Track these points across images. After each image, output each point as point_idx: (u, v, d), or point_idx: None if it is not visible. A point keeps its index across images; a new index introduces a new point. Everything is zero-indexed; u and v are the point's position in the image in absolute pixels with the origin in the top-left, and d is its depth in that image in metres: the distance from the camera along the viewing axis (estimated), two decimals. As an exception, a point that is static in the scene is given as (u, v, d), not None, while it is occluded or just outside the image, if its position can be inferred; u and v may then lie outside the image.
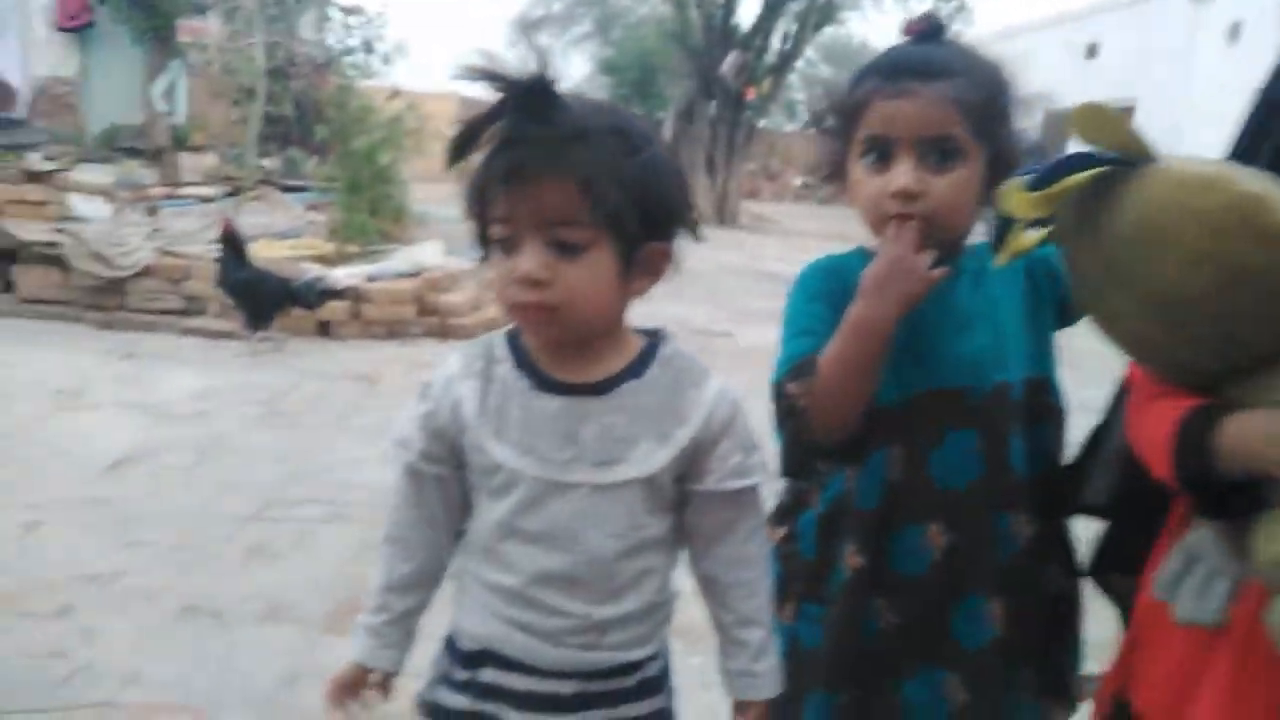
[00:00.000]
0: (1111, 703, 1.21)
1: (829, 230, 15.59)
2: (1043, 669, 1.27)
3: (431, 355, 5.63)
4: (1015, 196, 1.03)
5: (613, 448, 1.07)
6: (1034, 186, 1.01)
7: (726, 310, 7.52)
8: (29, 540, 2.86)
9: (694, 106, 16.25)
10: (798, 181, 24.34)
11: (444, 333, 6.11)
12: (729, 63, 15.03)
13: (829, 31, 17.79)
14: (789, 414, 1.17)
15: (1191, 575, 1.05)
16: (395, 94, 8.75)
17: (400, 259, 6.77)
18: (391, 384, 4.94)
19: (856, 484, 1.23)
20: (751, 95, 15.96)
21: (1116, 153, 0.97)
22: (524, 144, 1.00)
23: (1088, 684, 1.31)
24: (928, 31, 1.20)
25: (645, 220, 1.04)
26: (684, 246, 1.11)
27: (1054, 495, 1.27)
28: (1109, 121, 0.96)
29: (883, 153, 1.16)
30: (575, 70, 26.60)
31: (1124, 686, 1.19)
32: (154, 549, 2.84)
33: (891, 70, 1.16)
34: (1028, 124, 1.22)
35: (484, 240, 1.08)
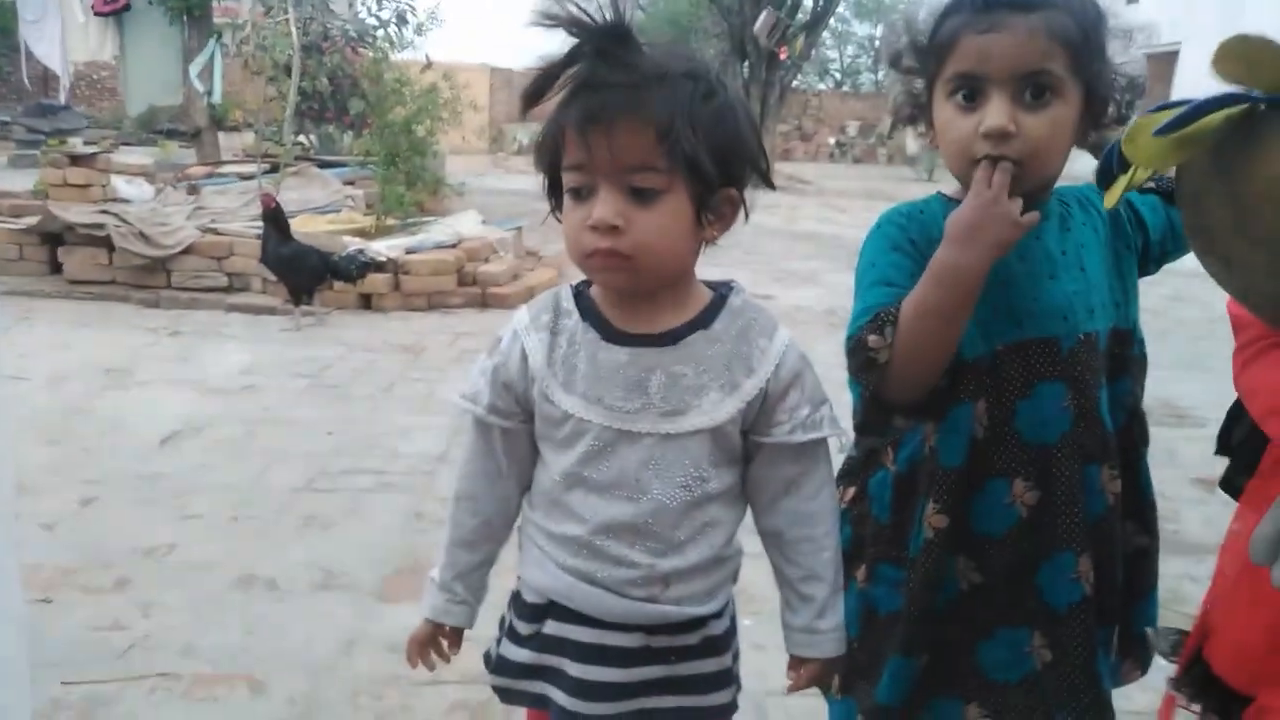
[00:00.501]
0: (1191, 661, 1.17)
1: (864, 189, 15.42)
2: (1123, 628, 1.24)
3: (472, 325, 5.64)
4: (1144, 140, 0.92)
5: (680, 397, 1.07)
6: (1168, 129, 0.90)
7: (766, 272, 7.44)
8: (86, 516, 2.90)
9: (726, 67, 16.04)
10: (832, 141, 24.03)
11: (484, 302, 6.12)
12: (761, 22, 14.80)
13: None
14: (868, 367, 1.10)
15: None
16: (429, 65, 8.74)
17: (438, 230, 6.79)
18: (434, 354, 4.96)
19: (939, 441, 1.17)
20: (784, 55, 15.71)
21: (1267, 93, 0.87)
22: (601, 88, 0.98)
23: (1162, 638, 1.26)
24: None
25: (719, 166, 1.02)
26: (752, 196, 1.08)
27: (1134, 448, 1.22)
28: (1262, 56, 0.85)
29: (973, 90, 1.09)
30: None
31: (1202, 646, 1.15)
32: (207, 521, 2.87)
33: (982, 3, 1.09)
34: (1127, 59, 1.13)
35: (554, 190, 1.07)
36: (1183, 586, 2.56)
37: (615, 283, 1.07)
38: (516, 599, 1.18)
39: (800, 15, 16.06)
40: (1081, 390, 1.15)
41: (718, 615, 1.13)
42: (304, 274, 5.34)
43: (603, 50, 0.99)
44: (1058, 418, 1.14)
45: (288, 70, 8.18)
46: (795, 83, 17.80)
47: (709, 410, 1.07)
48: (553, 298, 1.14)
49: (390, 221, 7.19)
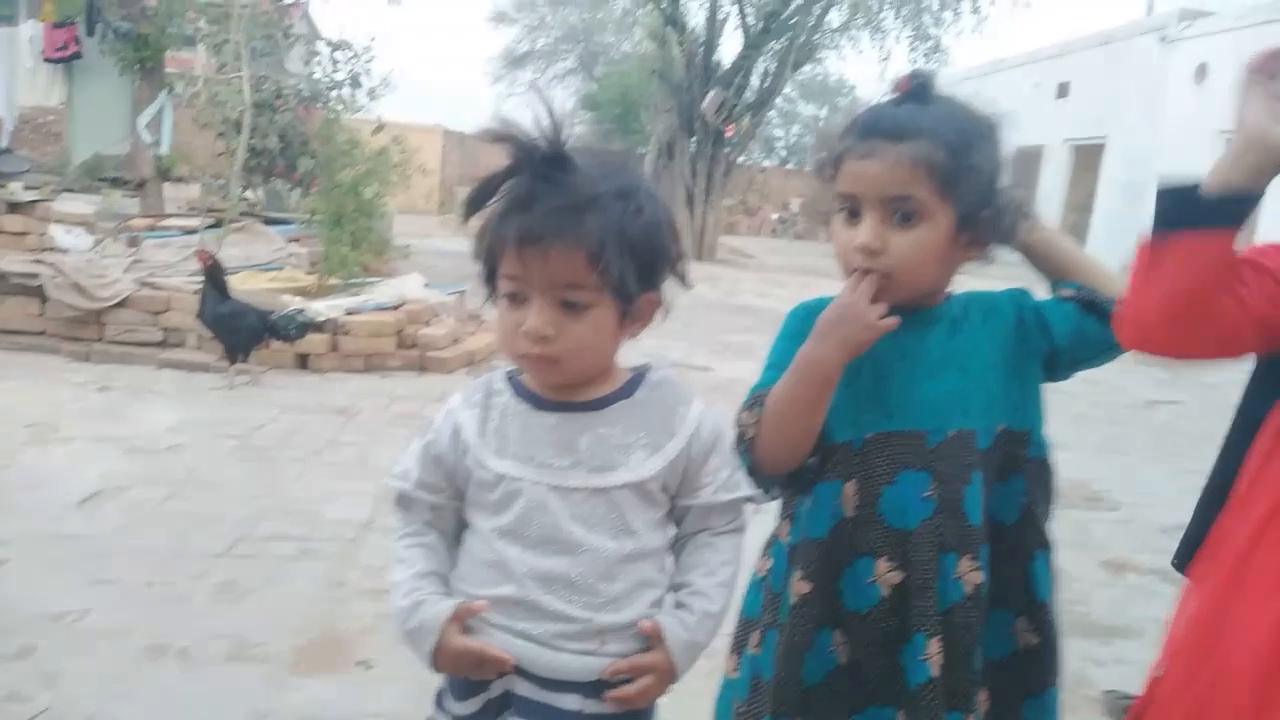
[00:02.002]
0: None
1: (803, 265, 15.75)
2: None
3: (409, 389, 5.64)
4: None
5: (608, 454, 1.16)
6: None
7: (704, 344, 7.57)
8: (-5, 577, 2.84)
9: (675, 142, 16.42)
10: (775, 217, 24.60)
11: (423, 366, 6.12)
12: (709, 100, 15.23)
13: (807, 69, 18.03)
14: (740, 441, 1.24)
15: None
16: (381, 127, 8.84)
17: (381, 292, 6.81)
18: (368, 418, 4.95)
19: (808, 514, 1.27)
20: (731, 132, 16.15)
21: None
22: (537, 209, 1.08)
23: (1110, 703, 1.31)
24: (913, 90, 1.23)
25: (643, 277, 1.13)
26: (672, 291, 1.20)
27: (1024, 548, 1.29)
28: None
29: (853, 209, 1.22)
30: (557, 105, 26.85)
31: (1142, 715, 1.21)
32: (122, 587, 2.82)
33: (865, 130, 1.21)
34: (1012, 179, 1.24)
35: (490, 283, 1.17)
36: (1087, 669, 2.62)
37: (546, 380, 1.19)
38: (450, 681, 1.21)
39: (747, 94, 16.55)
40: (945, 482, 1.23)
41: None
42: (241, 333, 5.31)
43: (540, 169, 1.09)
44: (919, 506, 1.23)
45: (238, 126, 8.21)
46: (741, 159, 18.25)
47: (635, 467, 1.16)
48: (485, 381, 1.25)
49: (333, 281, 7.19)
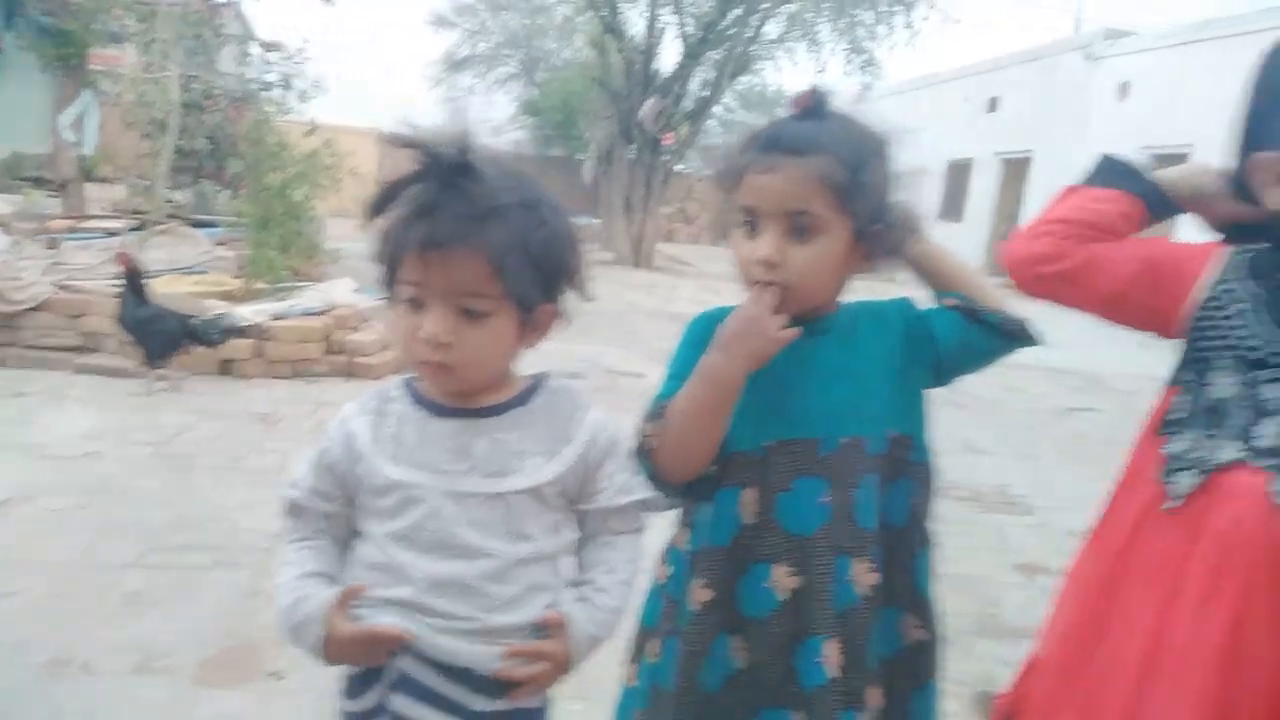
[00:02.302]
0: None
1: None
2: (902, 715, 1.33)
3: (336, 395, 5.57)
4: None
5: (504, 460, 1.17)
6: None
7: (638, 351, 7.58)
8: (-110, 590, 2.75)
9: (614, 150, 16.46)
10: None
11: (350, 372, 6.05)
12: (648, 108, 15.29)
13: (746, 79, 18.21)
14: (642, 451, 1.25)
15: None
16: (313, 129, 8.73)
17: (309, 296, 6.71)
18: (291, 424, 4.88)
19: (709, 522, 1.30)
20: (670, 140, 16.24)
21: None
22: (440, 216, 1.07)
23: (979, 701, 1.36)
24: (810, 107, 1.26)
25: (544, 288, 1.15)
26: (578, 300, 1.22)
27: (908, 548, 1.33)
28: None
29: (753, 221, 1.25)
30: (499, 111, 26.68)
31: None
32: (25, 598, 2.75)
33: (765, 145, 1.24)
34: (907, 195, 1.28)
35: (390, 288, 1.16)
36: (995, 670, 2.67)
37: (443, 387, 1.19)
38: (345, 685, 1.21)
39: (686, 103, 16.66)
40: (840, 488, 1.27)
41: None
42: (160, 337, 5.20)
43: (445, 177, 1.09)
44: (815, 512, 1.26)
45: (164, 126, 8.04)
46: (680, 167, 18.34)
47: (531, 473, 1.17)
48: (381, 389, 1.25)
49: (260, 285, 7.07)
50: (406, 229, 1.09)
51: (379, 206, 1.13)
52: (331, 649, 1.14)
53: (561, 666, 1.18)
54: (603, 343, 7.20)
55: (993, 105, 20.86)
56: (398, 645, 1.14)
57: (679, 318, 1.28)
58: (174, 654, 2.49)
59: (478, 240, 1.07)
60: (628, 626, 1.35)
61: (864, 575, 1.27)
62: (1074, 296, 1.24)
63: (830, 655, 1.24)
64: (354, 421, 1.21)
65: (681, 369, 1.28)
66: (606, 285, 13.45)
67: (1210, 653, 0.97)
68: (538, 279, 1.13)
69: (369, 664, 1.16)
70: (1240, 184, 1.13)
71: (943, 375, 1.37)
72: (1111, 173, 1.24)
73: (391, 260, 1.14)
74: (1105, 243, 1.17)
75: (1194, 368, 1.09)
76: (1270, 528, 0.96)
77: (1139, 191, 1.19)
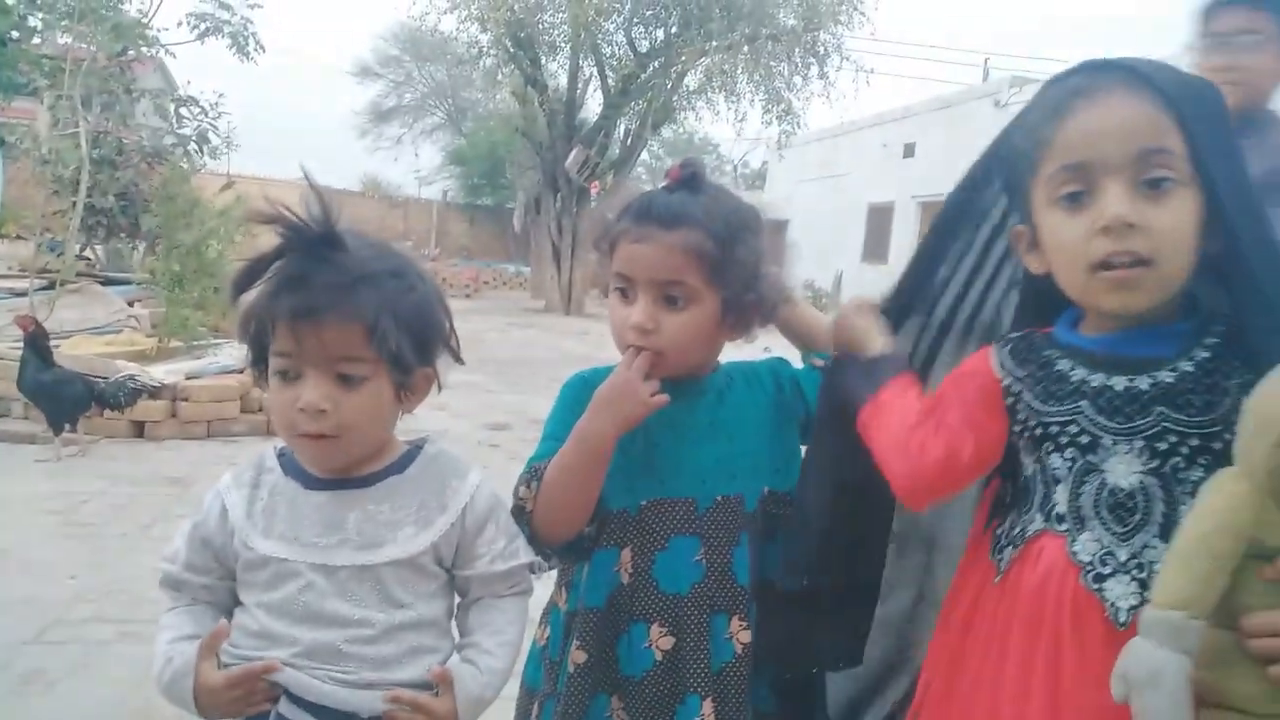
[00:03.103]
0: None
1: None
2: None
3: (253, 454, 5.44)
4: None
5: (376, 532, 1.16)
6: None
7: (565, 402, 7.57)
8: None
9: (541, 199, 16.57)
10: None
11: (269, 430, 5.92)
12: (572, 158, 15.48)
13: (668, 129, 18.53)
14: (519, 514, 1.26)
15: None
16: (230, 184, 8.62)
17: (225, 354, 6.58)
18: (205, 487, 4.63)
19: (586, 582, 1.30)
20: (596, 189, 16.42)
21: None
22: (310, 285, 1.08)
23: None
24: (685, 179, 1.30)
25: (418, 352, 1.15)
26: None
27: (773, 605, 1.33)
28: None
29: (627, 288, 1.27)
30: (426, 160, 26.67)
31: None
32: (-89, 683, 2.62)
33: (640, 215, 1.27)
34: (776, 268, 1.32)
35: (259, 364, 1.16)
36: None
37: (326, 463, 1.17)
38: None
39: (611, 152, 16.87)
40: (714, 546, 1.29)
41: None
42: (65, 402, 5.03)
43: (312, 249, 1.09)
44: (690, 570, 1.28)
45: (75, 184, 7.85)
46: (607, 215, 18.50)
47: (403, 543, 1.16)
48: (257, 459, 1.23)
49: (175, 344, 6.91)
50: (275, 301, 1.10)
51: (244, 282, 1.12)
52: (204, 698, 1.11)
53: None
54: (530, 391, 7.16)
55: (909, 151, 21.53)
56: (270, 696, 1.11)
57: (610, 363, 1.29)
58: (72, 736, 2.39)
59: (349, 306, 1.08)
60: (512, 689, 1.35)
61: (739, 632, 1.28)
62: (964, 477, 1.19)
63: (707, 713, 1.25)
64: (229, 495, 1.20)
65: (557, 430, 1.30)
66: (538, 333, 13.51)
67: (1038, 708, 1.02)
68: (411, 342, 1.13)
69: (248, 713, 1.12)
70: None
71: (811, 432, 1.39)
72: (861, 378, 1.23)
73: (259, 335, 1.13)
74: (928, 423, 1.15)
75: (1006, 456, 1.15)
76: (1071, 583, 1.03)
77: (895, 371, 1.22)
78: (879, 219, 22.09)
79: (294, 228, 1.10)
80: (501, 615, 1.23)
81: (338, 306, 1.08)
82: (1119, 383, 1.04)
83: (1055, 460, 1.08)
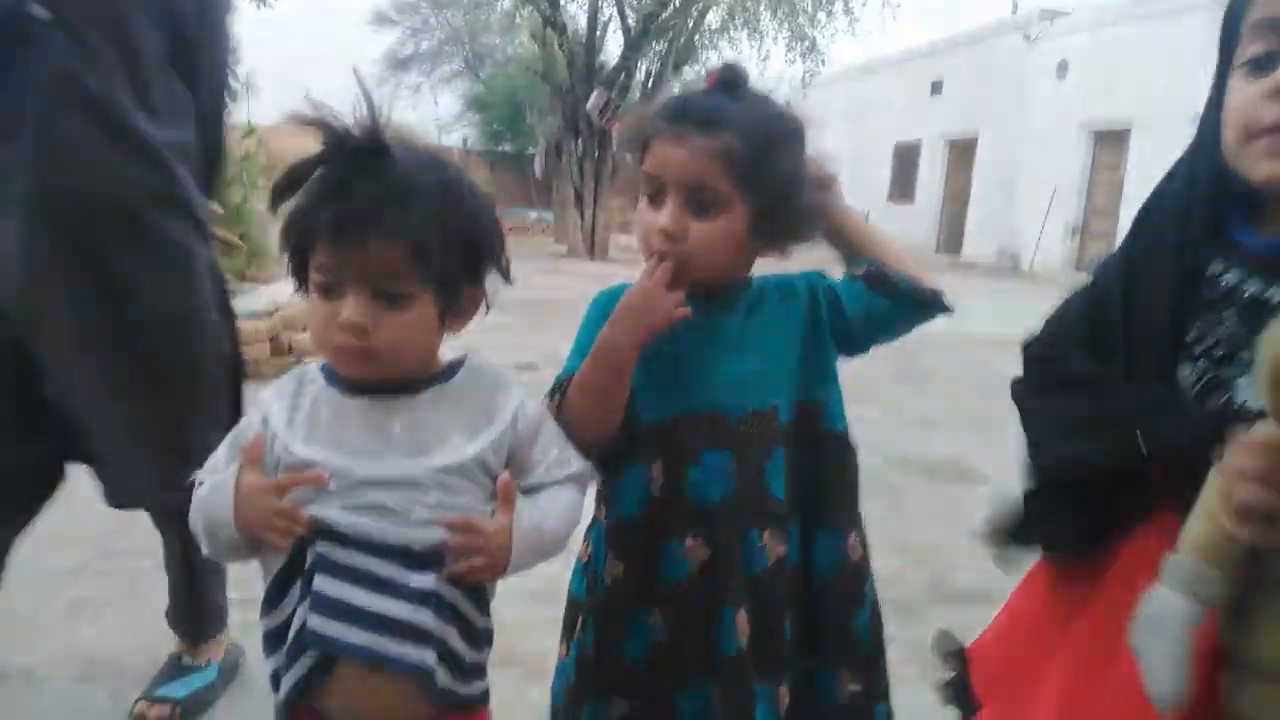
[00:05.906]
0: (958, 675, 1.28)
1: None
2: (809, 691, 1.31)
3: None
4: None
5: (423, 439, 1.12)
6: None
7: (592, 342, 7.58)
8: None
9: (562, 143, 16.41)
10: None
11: (300, 373, 5.97)
12: (593, 101, 15.25)
13: (690, 69, 18.25)
14: None
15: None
16: (251, 131, 8.57)
17: (254, 298, 6.60)
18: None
19: (621, 495, 1.29)
20: (618, 130, 16.21)
21: None
22: (352, 199, 1.03)
23: (941, 643, 1.36)
24: (725, 82, 1.25)
25: (465, 271, 1.11)
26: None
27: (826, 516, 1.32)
28: None
29: (657, 190, 1.23)
30: (445, 108, 26.47)
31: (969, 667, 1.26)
32: (-37, 611, 2.67)
33: (674, 115, 1.22)
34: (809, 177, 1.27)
35: (301, 276, 1.11)
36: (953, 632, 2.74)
37: (361, 374, 1.13)
38: (265, 596, 1.15)
39: (632, 95, 16.65)
40: (745, 459, 1.26)
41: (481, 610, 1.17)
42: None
43: (355, 159, 1.04)
44: (722, 482, 1.26)
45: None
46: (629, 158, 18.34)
47: (451, 451, 1.12)
48: (298, 373, 1.20)
49: (203, 290, 6.94)
50: (315, 213, 1.05)
51: (283, 191, 1.08)
52: (243, 502, 1.08)
53: (498, 556, 1.12)
54: (556, 333, 7.13)
55: (936, 88, 21.12)
56: (312, 525, 1.08)
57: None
58: (120, 660, 2.44)
59: (392, 223, 1.03)
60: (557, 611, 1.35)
61: (773, 544, 1.27)
62: None
63: (741, 625, 1.24)
64: (270, 406, 1.17)
65: (583, 346, 1.27)
66: (562, 278, 13.43)
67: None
68: (459, 261, 1.09)
69: (286, 535, 1.08)
70: None
71: (854, 344, 1.37)
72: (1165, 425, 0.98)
73: (300, 246, 1.09)
74: None
75: None
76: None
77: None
78: (906, 158, 21.76)
79: (336, 133, 1.05)
80: (562, 492, 1.20)
81: (381, 223, 1.03)
82: (1276, 294, 0.93)
83: (1185, 369, 0.99)
